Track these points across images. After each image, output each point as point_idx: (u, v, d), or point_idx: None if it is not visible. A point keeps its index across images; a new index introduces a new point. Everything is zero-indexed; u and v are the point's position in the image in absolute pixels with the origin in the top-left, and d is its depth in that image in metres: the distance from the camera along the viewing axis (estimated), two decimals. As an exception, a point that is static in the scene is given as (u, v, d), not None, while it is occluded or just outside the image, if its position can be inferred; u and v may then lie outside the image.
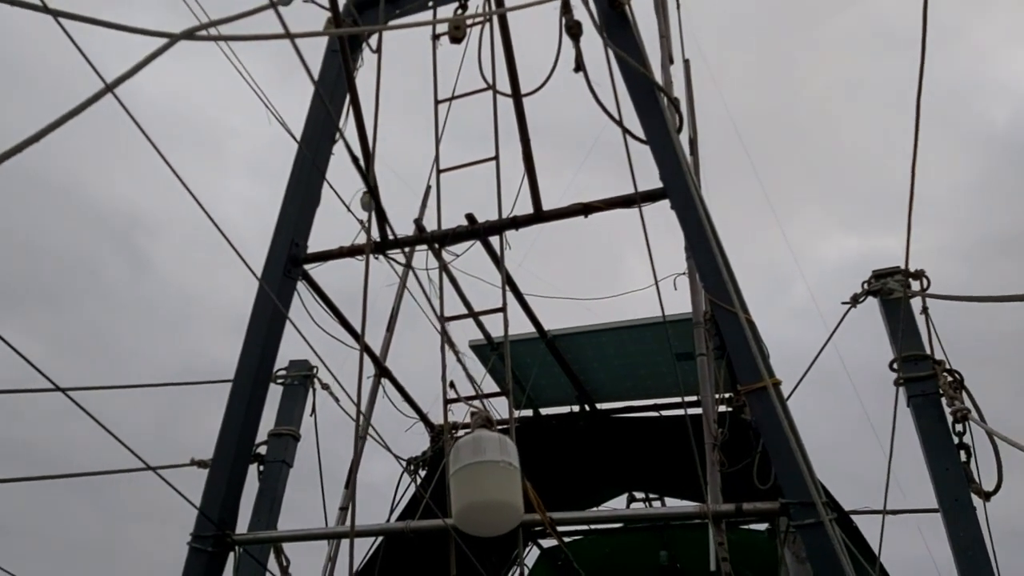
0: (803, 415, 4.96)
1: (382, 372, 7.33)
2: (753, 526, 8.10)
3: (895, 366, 5.96)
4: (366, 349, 5.66)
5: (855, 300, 6.36)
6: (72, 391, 4.16)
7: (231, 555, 5.59)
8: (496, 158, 5.92)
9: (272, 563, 6.22)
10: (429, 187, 6.74)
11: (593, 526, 9.20)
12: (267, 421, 7.73)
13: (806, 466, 4.47)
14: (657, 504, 9.61)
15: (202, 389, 7.54)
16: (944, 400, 5.72)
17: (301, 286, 6.35)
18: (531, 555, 9.59)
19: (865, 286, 6.35)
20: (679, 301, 6.57)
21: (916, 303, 6.32)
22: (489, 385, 7.66)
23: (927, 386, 5.81)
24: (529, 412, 9.03)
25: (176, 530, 5.66)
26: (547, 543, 9.52)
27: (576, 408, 8.99)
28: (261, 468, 7.52)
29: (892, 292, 6.12)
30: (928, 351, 5.97)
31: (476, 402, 5.75)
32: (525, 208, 6.02)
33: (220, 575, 5.47)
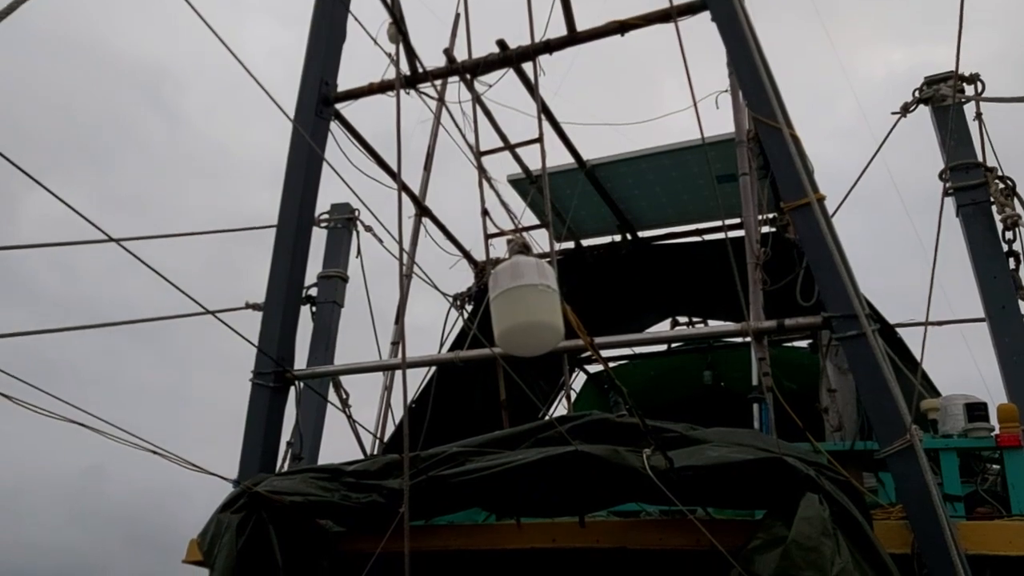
0: (848, 237, 4.88)
1: (422, 211, 7.36)
2: (795, 343, 8.22)
3: (944, 176, 5.82)
4: (404, 188, 5.64)
5: (905, 109, 6.14)
6: (125, 241, 4.27)
7: (292, 391, 5.84)
8: (525, -24, 5.65)
9: (332, 397, 6.53)
10: (458, 15, 6.50)
11: (637, 349, 9.43)
12: (315, 266, 7.94)
13: (849, 279, 4.45)
14: (700, 327, 9.75)
15: (245, 239, 7.72)
16: (995, 208, 5.62)
17: (335, 128, 6.28)
18: (578, 381, 9.94)
19: (916, 94, 6.11)
20: (719, 125, 6.39)
21: (968, 111, 6.08)
22: (530, 219, 7.66)
23: (977, 194, 5.70)
24: (571, 244, 9.08)
25: (238, 374, 5.85)
26: (593, 369, 9.83)
27: (618, 237, 9.02)
28: (313, 310, 7.82)
29: (944, 98, 5.88)
30: (980, 159, 5.81)
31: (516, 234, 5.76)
32: (558, 32, 5.80)
33: (283, 409, 5.74)
